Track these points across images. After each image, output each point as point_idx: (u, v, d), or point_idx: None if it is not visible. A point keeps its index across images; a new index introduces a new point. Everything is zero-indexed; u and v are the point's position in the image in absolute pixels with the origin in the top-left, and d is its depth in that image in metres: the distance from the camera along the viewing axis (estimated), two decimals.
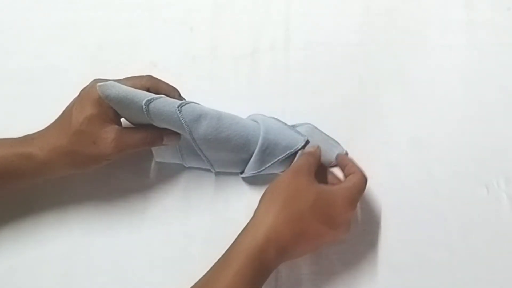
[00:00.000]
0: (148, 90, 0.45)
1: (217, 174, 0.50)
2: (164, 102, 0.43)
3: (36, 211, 0.50)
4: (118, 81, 0.44)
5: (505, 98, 0.53)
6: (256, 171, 0.48)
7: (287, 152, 0.47)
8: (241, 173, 0.49)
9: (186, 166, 0.50)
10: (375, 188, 0.50)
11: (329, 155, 0.49)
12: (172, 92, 0.47)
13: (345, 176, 0.46)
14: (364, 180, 0.44)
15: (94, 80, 0.45)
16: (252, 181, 0.50)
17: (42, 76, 0.56)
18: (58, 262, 0.48)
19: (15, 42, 0.58)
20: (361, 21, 0.57)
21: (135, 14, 0.59)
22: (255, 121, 0.49)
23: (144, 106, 0.42)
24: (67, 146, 0.43)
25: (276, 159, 0.47)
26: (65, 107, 0.45)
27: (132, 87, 0.43)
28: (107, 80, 0.43)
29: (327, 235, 0.41)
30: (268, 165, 0.47)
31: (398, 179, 0.50)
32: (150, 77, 0.46)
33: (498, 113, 0.53)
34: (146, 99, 0.42)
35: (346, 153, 0.50)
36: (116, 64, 0.56)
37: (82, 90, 0.45)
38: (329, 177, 0.48)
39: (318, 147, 0.47)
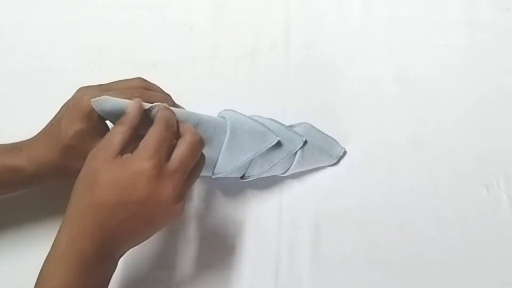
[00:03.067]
0: None
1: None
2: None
3: (34, 212, 0.49)
4: (109, 86, 0.43)
5: (505, 98, 0.53)
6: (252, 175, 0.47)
7: (286, 155, 0.47)
8: (242, 177, 0.49)
9: None
10: (375, 187, 0.50)
11: (327, 154, 0.49)
12: (166, 101, 0.45)
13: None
14: (196, 139, 0.37)
15: (80, 89, 0.43)
16: (252, 181, 0.50)
17: (42, 76, 0.55)
18: None
19: (14, 42, 0.58)
20: (360, 21, 0.58)
21: (135, 14, 0.59)
22: (223, 117, 0.47)
23: None
24: (56, 160, 0.42)
25: (273, 164, 0.47)
26: (53, 117, 0.44)
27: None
28: (94, 89, 0.42)
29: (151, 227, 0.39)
30: (267, 169, 0.47)
31: (398, 179, 0.50)
32: (142, 91, 0.44)
33: (498, 113, 0.53)
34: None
35: (345, 152, 0.50)
36: (116, 64, 0.56)
37: (70, 100, 0.43)
38: None
39: (139, 105, 0.39)
